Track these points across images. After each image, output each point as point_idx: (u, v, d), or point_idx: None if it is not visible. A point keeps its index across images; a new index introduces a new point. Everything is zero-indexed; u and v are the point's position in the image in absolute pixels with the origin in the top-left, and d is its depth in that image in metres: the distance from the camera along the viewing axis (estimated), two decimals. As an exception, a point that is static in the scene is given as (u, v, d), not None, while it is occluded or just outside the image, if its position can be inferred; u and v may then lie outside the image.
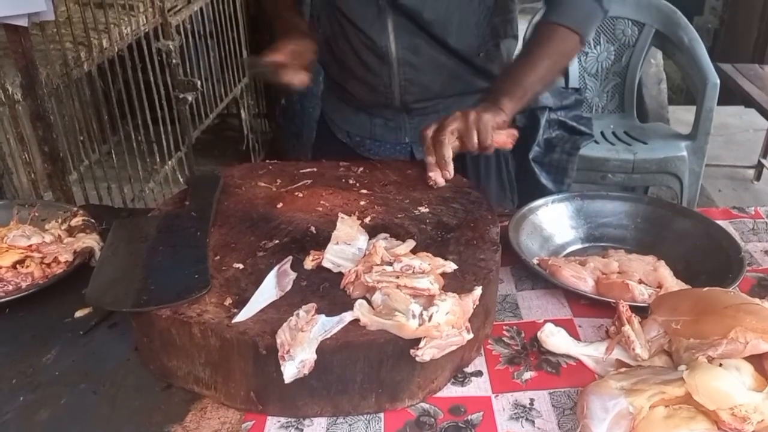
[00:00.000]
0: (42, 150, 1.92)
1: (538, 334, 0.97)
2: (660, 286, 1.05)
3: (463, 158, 1.19)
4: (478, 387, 0.90)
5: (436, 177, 1.16)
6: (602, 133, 3.00)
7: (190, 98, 2.75)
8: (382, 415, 0.86)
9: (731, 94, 3.24)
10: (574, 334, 0.99)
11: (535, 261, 1.12)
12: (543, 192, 1.41)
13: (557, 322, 0.99)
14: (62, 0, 2.16)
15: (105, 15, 2.33)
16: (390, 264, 0.91)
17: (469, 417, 0.85)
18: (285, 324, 0.82)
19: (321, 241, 1.00)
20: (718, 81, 2.81)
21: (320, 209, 1.12)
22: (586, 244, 1.25)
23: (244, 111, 3.59)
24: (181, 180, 2.74)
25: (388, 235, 1.02)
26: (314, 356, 0.80)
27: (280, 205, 1.13)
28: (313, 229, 1.06)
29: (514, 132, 1.21)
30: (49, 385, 0.91)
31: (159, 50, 2.60)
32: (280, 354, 0.80)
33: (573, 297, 1.07)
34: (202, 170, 2.76)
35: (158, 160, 2.71)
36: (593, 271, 1.09)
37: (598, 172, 2.82)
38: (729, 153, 3.98)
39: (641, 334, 0.91)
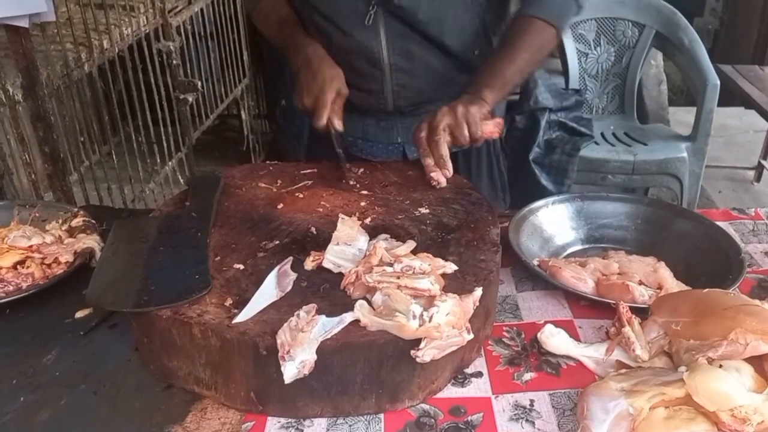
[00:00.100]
0: (42, 151, 1.92)
1: (539, 335, 0.97)
2: (660, 288, 1.05)
3: (456, 157, 1.19)
4: (479, 388, 0.90)
5: (439, 177, 1.17)
6: (602, 135, 3.00)
7: (190, 99, 2.75)
8: (382, 415, 0.86)
9: (731, 96, 3.24)
10: (575, 335, 0.99)
11: (535, 262, 1.12)
12: (543, 193, 1.42)
13: (557, 323, 0.99)
14: (63, 1, 2.16)
15: (105, 16, 2.33)
16: (390, 265, 0.91)
17: (470, 418, 0.85)
18: (285, 324, 0.82)
19: (321, 242, 1.00)
20: (718, 82, 2.81)
21: (321, 210, 1.12)
22: (587, 246, 1.25)
23: (244, 112, 3.59)
24: (182, 181, 2.74)
25: (388, 235, 1.02)
26: (314, 357, 0.80)
27: (280, 206, 1.13)
28: (313, 229, 1.06)
29: (500, 121, 1.23)
30: (50, 385, 0.91)
31: (159, 51, 2.60)
32: (280, 354, 0.80)
33: (573, 298, 1.07)
34: (202, 171, 2.74)
35: (159, 160, 2.71)
36: (593, 272, 1.09)
37: (598, 173, 2.82)
38: (729, 154, 3.98)
39: (641, 336, 0.91)
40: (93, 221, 1.22)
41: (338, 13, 1.31)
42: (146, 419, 0.85)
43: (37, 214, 1.25)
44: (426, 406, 0.88)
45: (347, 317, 0.84)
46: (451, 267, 0.94)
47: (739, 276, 1.05)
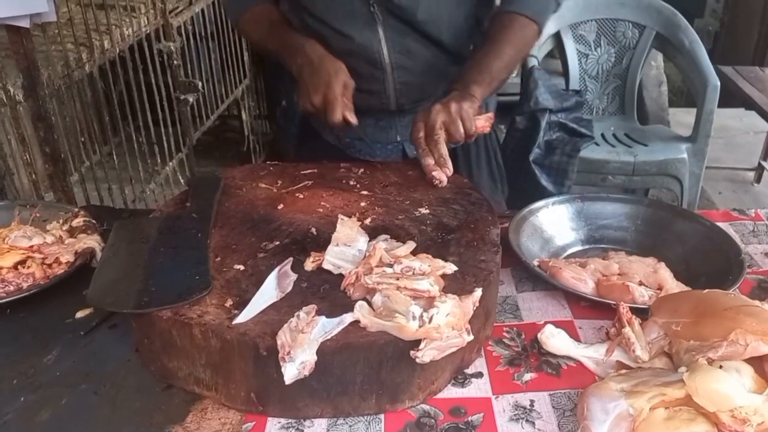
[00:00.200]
0: (43, 151, 1.93)
1: (539, 335, 0.97)
2: (660, 288, 1.05)
3: (455, 153, 1.20)
4: (479, 388, 0.90)
5: (440, 176, 1.17)
6: (602, 135, 2.99)
7: (191, 99, 2.75)
8: (382, 416, 0.86)
9: (731, 97, 3.24)
10: (575, 336, 0.99)
11: (535, 262, 1.13)
12: (543, 194, 1.42)
13: (558, 324, 0.99)
14: (64, 1, 2.16)
15: (106, 16, 2.33)
16: (390, 265, 0.91)
17: (470, 418, 0.85)
18: (285, 325, 0.82)
19: (321, 243, 1.00)
20: (719, 83, 2.81)
21: (321, 210, 1.12)
22: (587, 246, 1.25)
23: (245, 112, 3.60)
24: (182, 181, 2.75)
25: (388, 236, 1.02)
26: (314, 357, 0.80)
27: (280, 207, 1.13)
28: (313, 230, 1.06)
29: (491, 115, 1.24)
30: (50, 385, 0.91)
31: (160, 51, 2.61)
32: (280, 355, 0.80)
33: (573, 299, 1.07)
34: (202, 171, 2.76)
35: (159, 161, 2.71)
36: (593, 273, 1.09)
37: (598, 174, 2.81)
38: (729, 155, 3.98)
39: (641, 336, 0.91)
40: (94, 221, 1.22)
41: (335, 15, 1.30)
42: (146, 419, 0.85)
43: (37, 214, 1.25)
44: (426, 407, 0.88)
45: (347, 318, 0.84)
46: (451, 268, 0.94)
47: (739, 277, 1.05)
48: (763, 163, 3.76)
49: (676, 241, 1.20)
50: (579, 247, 1.25)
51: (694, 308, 0.90)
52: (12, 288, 1.06)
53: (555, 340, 0.96)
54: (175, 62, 2.66)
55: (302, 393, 0.84)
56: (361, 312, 0.85)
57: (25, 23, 1.68)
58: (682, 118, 3.78)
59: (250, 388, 0.85)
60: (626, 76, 3.11)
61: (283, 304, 0.88)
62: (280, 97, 1.60)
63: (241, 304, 0.87)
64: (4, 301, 1.03)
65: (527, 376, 0.92)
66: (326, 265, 0.95)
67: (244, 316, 0.85)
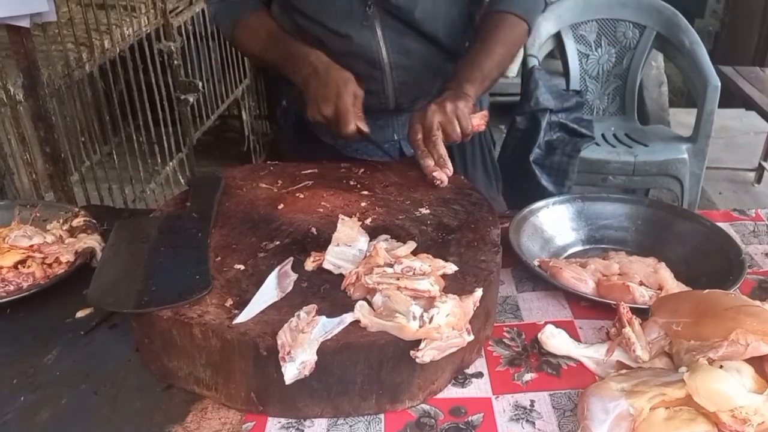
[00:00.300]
0: (43, 150, 1.93)
1: (539, 335, 0.97)
2: (660, 288, 1.05)
3: (451, 152, 1.20)
4: (479, 388, 0.90)
5: (441, 176, 1.17)
6: (603, 136, 2.99)
7: (191, 99, 2.76)
8: (382, 416, 0.86)
9: (732, 97, 3.24)
10: (575, 336, 0.99)
11: (535, 263, 1.13)
12: (544, 194, 1.42)
13: (558, 324, 0.99)
14: (64, 1, 2.16)
15: (107, 16, 2.33)
16: (390, 265, 0.91)
17: (470, 418, 0.85)
18: (286, 325, 0.82)
19: (322, 243, 1.00)
20: (719, 84, 2.81)
21: (321, 210, 1.12)
22: (587, 246, 1.25)
23: (245, 112, 3.60)
24: (182, 181, 2.75)
25: (388, 236, 1.02)
26: (315, 357, 0.80)
27: (281, 207, 1.13)
28: (314, 230, 1.06)
29: (485, 114, 1.24)
30: (50, 385, 0.91)
31: (160, 51, 2.61)
32: (280, 355, 0.80)
33: (574, 299, 1.07)
34: (203, 171, 2.77)
35: (159, 161, 2.71)
36: (594, 273, 1.09)
37: (598, 174, 2.81)
38: (730, 156, 3.98)
39: (642, 336, 0.91)
40: (94, 221, 1.22)
41: (331, 16, 1.29)
42: (147, 419, 0.85)
43: (38, 214, 1.25)
44: (426, 407, 0.88)
45: (347, 318, 0.84)
46: (451, 268, 0.94)
47: (740, 277, 1.05)
48: (764, 164, 3.76)
49: (676, 242, 1.20)
50: (579, 247, 1.25)
51: (695, 308, 0.90)
52: (12, 288, 1.06)
53: (555, 340, 0.96)
54: (175, 62, 2.66)
55: (302, 393, 0.84)
56: (361, 312, 0.85)
57: (25, 23, 1.68)
58: (683, 119, 3.78)
59: (251, 388, 0.85)
60: (627, 76, 3.12)
61: (283, 304, 0.88)
62: (280, 97, 1.60)
63: (242, 303, 0.87)
64: (4, 300, 1.03)
65: (527, 376, 0.92)
66: (327, 265, 0.95)
67: (244, 316, 0.85)
